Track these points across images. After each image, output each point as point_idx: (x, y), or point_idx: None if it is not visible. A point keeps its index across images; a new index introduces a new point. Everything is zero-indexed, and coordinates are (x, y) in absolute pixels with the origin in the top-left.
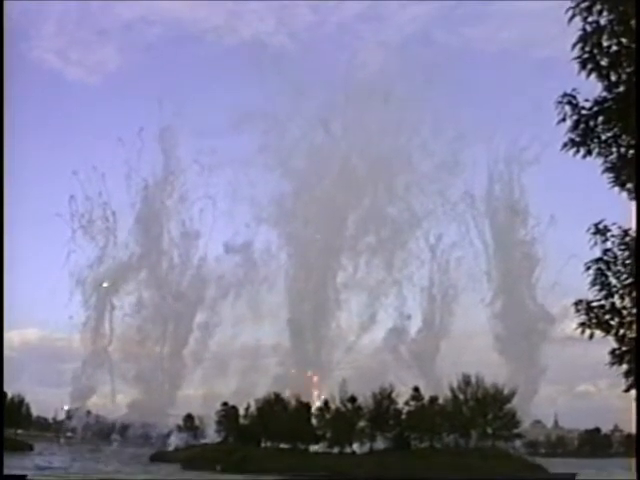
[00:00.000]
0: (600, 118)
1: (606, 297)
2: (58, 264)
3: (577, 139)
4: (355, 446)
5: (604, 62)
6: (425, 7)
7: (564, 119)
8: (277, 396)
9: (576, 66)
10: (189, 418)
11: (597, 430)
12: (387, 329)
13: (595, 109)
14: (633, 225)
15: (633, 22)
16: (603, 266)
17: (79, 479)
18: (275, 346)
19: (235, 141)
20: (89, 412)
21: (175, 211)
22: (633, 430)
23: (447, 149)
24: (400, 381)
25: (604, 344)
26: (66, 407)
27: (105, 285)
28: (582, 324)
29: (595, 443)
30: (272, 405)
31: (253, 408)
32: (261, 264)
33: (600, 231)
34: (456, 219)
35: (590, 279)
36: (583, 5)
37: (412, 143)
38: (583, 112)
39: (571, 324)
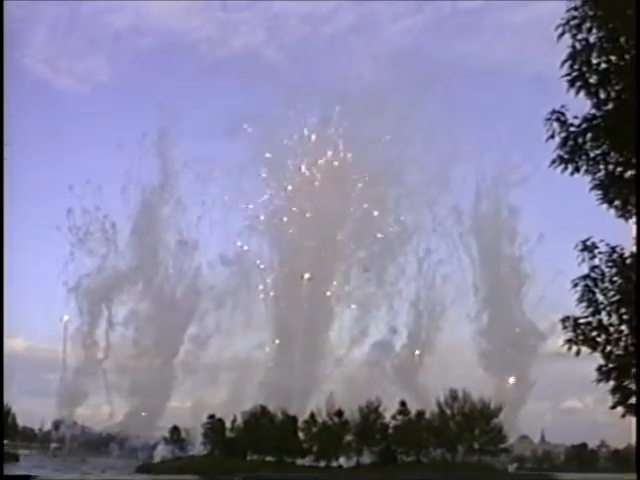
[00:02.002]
0: (589, 135)
1: (593, 314)
2: (52, 275)
3: (565, 156)
4: (342, 460)
5: (593, 80)
6: (417, 20)
7: (553, 136)
8: (263, 409)
9: (563, 84)
10: (175, 430)
11: (584, 445)
12: (375, 343)
13: (584, 126)
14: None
15: (623, 39)
16: (590, 283)
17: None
18: (265, 358)
19: (228, 150)
20: (75, 423)
21: (171, 220)
22: (620, 446)
23: (438, 164)
24: (387, 395)
25: (591, 360)
26: (53, 418)
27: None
28: (569, 340)
29: (582, 458)
30: (258, 418)
31: (240, 421)
32: (253, 275)
33: (588, 248)
34: (446, 235)
35: (577, 296)
36: (573, 22)
37: (403, 157)
38: (572, 129)
39: (558, 340)
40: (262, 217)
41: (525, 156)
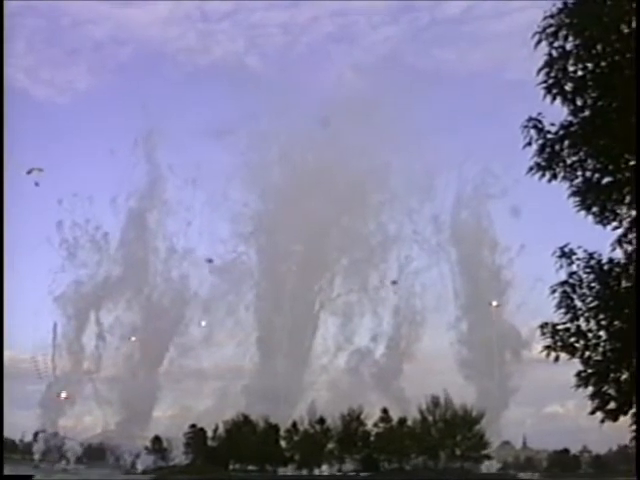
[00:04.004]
0: (566, 142)
1: (571, 320)
2: (36, 285)
3: (543, 163)
4: (324, 468)
5: (569, 87)
6: (396, 28)
7: (530, 143)
8: (245, 418)
9: (542, 91)
10: (157, 440)
11: (566, 451)
12: (357, 350)
13: (561, 133)
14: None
15: (599, 47)
16: (568, 289)
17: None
18: (248, 366)
19: (213, 158)
20: (57, 434)
21: (157, 229)
22: (602, 451)
23: (420, 172)
24: (369, 402)
25: (573, 365)
26: (34, 429)
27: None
28: (548, 347)
29: (564, 464)
30: (240, 427)
31: (221, 430)
32: (240, 283)
33: (566, 254)
34: (426, 244)
35: (556, 302)
36: (549, 30)
37: (384, 166)
38: (549, 136)
39: (538, 346)
40: (248, 223)
41: (506, 166)
